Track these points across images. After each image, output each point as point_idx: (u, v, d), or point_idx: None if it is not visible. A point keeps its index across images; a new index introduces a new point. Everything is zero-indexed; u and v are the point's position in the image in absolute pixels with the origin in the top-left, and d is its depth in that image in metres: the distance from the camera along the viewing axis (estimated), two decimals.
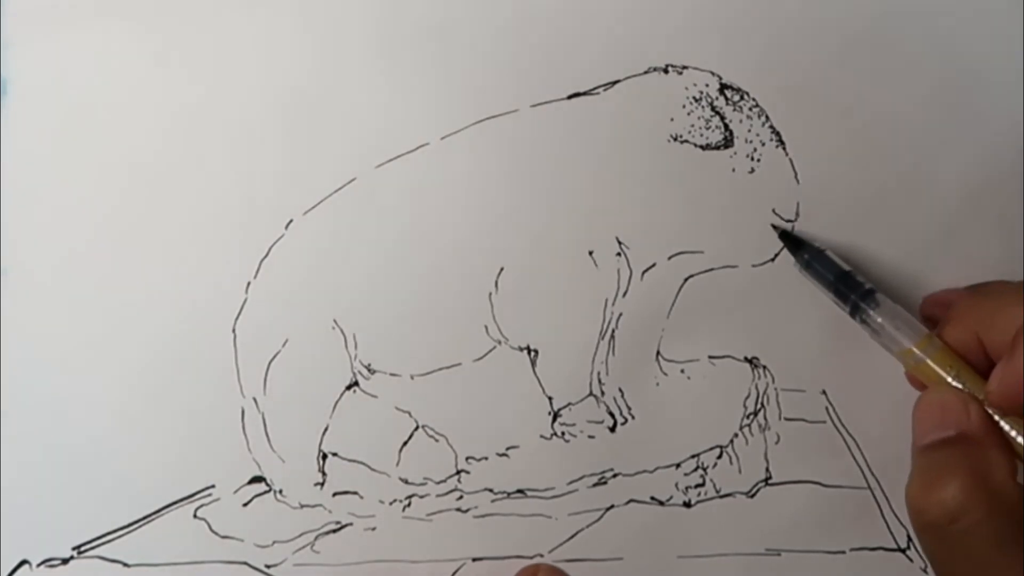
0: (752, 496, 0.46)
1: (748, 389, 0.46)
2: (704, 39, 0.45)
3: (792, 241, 0.45)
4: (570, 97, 0.45)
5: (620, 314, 0.45)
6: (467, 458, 0.45)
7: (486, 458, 0.45)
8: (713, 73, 0.45)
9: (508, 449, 0.45)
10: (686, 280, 0.45)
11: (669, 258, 0.45)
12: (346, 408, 0.45)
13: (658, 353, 0.46)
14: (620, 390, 0.46)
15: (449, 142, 0.44)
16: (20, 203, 0.44)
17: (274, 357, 0.44)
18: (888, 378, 0.44)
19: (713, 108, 0.45)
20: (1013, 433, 0.39)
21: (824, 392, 0.46)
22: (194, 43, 0.44)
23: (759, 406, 0.46)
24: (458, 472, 0.45)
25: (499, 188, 0.45)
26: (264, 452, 0.45)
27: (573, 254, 0.45)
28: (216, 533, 0.44)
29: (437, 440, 0.45)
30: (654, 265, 0.45)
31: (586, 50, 0.45)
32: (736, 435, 0.46)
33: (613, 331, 0.45)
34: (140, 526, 0.44)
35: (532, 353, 0.45)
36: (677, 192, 0.45)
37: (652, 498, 0.46)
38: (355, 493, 0.45)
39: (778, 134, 0.45)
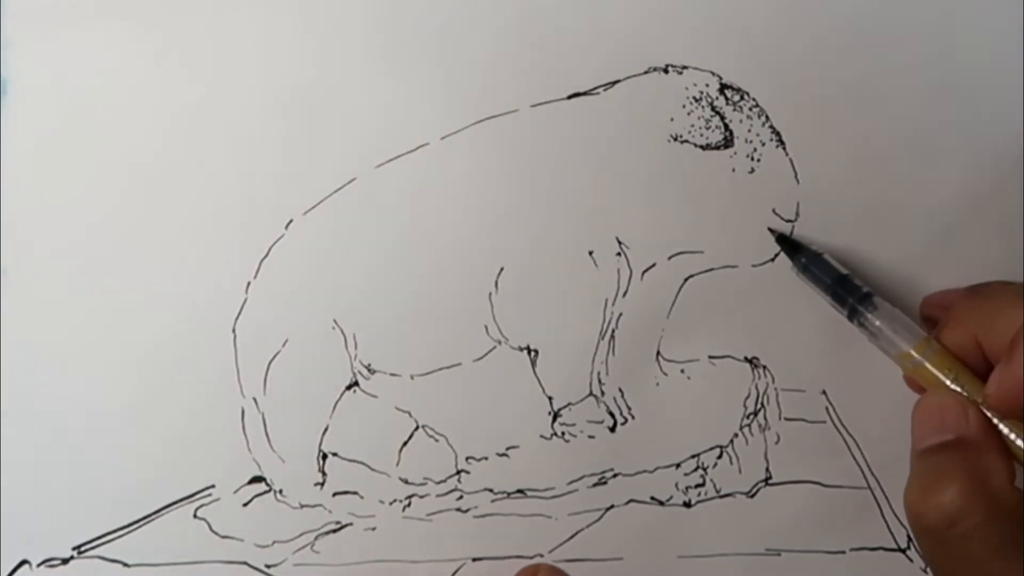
0: (752, 496, 0.46)
1: (748, 389, 0.46)
2: (704, 39, 0.45)
3: (789, 245, 0.45)
4: (570, 97, 0.45)
5: (620, 314, 0.45)
6: (467, 458, 0.45)
7: (486, 458, 0.45)
8: (713, 73, 0.45)
9: (508, 449, 0.45)
10: (686, 280, 0.45)
11: (669, 258, 0.45)
12: (346, 408, 0.45)
13: (658, 353, 0.46)
14: (620, 390, 0.46)
15: (449, 142, 0.44)
16: (20, 203, 0.43)
17: (274, 357, 0.44)
18: (888, 378, 0.44)
19: (713, 108, 0.45)
20: (1012, 436, 0.39)
21: (824, 392, 0.46)
22: (194, 43, 0.44)
23: (759, 406, 0.46)
24: (458, 472, 0.45)
25: (499, 188, 0.45)
26: (264, 452, 0.45)
27: (573, 254, 0.45)
28: (216, 533, 0.45)
29: (437, 440, 0.45)
30: (654, 265, 0.45)
31: (586, 50, 0.44)
32: (736, 435, 0.46)
33: (613, 331, 0.45)
34: (140, 526, 0.44)
35: (532, 353, 0.45)
36: (677, 192, 0.45)
37: (652, 498, 0.46)
38: (355, 493, 0.45)
39: (778, 134, 0.45)
